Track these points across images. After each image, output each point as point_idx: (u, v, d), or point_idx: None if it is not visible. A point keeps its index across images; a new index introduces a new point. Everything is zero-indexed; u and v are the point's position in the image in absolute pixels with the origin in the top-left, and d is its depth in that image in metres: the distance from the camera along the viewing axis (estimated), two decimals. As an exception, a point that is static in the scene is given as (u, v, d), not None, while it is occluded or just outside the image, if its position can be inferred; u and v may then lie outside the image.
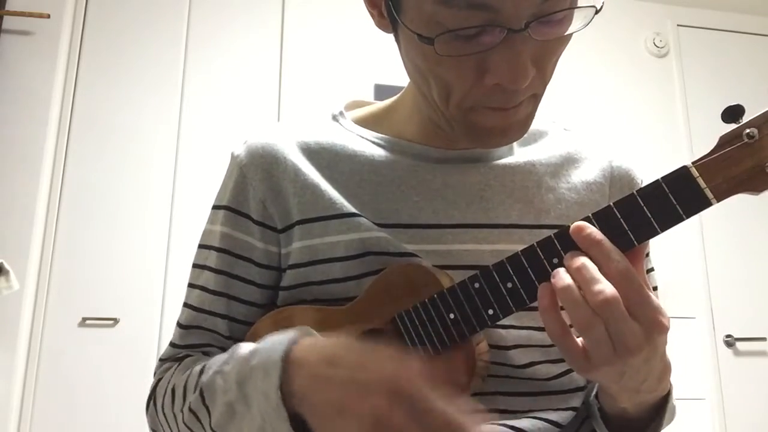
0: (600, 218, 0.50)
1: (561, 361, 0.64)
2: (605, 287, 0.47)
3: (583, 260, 0.48)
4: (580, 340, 0.50)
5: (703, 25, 3.14)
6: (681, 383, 2.54)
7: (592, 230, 0.49)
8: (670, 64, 3.06)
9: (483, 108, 0.58)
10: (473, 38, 0.52)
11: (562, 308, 0.50)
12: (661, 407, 0.59)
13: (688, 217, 0.49)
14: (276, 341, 0.54)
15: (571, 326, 0.50)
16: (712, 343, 2.74)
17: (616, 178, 0.71)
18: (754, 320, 2.80)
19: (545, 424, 0.62)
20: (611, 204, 0.50)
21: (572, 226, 0.50)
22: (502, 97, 0.56)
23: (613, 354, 0.47)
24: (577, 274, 0.48)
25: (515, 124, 0.59)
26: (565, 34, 0.55)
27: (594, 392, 0.65)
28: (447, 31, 0.52)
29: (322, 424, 0.49)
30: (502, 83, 0.54)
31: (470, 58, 0.54)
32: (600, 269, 0.48)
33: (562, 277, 0.49)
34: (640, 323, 0.47)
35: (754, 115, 0.49)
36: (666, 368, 0.54)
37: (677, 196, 0.49)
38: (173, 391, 0.63)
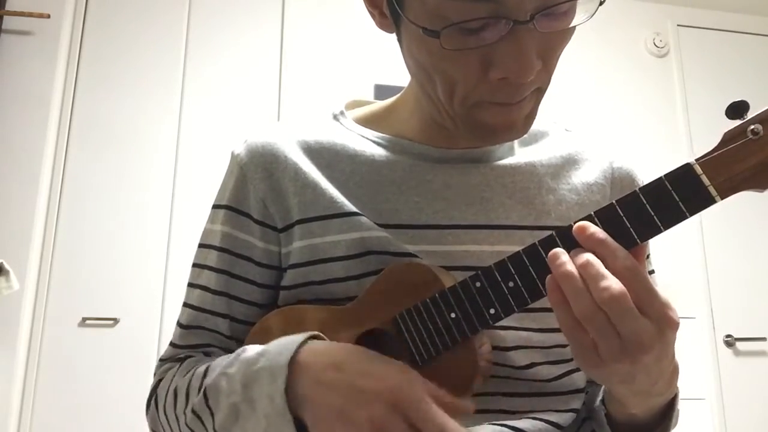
0: (602, 216, 0.50)
1: (561, 362, 0.64)
2: (612, 283, 0.45)
3: (587, 257, 0.47)
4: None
5: (703, 25, 3.14)
6: (681, 383, 2.50)
7: (595, 229, 0.48)
8: (670, 64, 3.06)
9: (488, 104, 0.57)
10: (478, 31, 0.52)
11: None
12: (668, 411, 0.59)
13: (691, 215, 0.48)
14: (283, 345, 0.54)
15: None
16: (712, 343, 2.74)
17: (617, 179, 0.71)
18: (754, 320, 2.80)
19: (546, 425, 0.61)
20: (614, 202, 0.50)
21: (575, 226, 0.49)
22: (506, 92, 0.56)
23: (621, 350, 0.46)
24: (582, 270, 0.47)
25: (520, 119, 0.59)
26: (570, 26, 0.54)
27: (600, 397, 0.64)
28: (451, 24, 0.51)
29: (320, 427, 0.50)
30: (508, 77, 0.54)
31: (475, 53, 0.53)
32: (606, 267, 0.47)
33: (563, 261, 0.48)
34: (650, 319, 0.46)
35: (759, 111, 0.48)
36: (675, 369, 0.53)
37: (680, 194, 0.48)
38: (175, 392, 0.63)
